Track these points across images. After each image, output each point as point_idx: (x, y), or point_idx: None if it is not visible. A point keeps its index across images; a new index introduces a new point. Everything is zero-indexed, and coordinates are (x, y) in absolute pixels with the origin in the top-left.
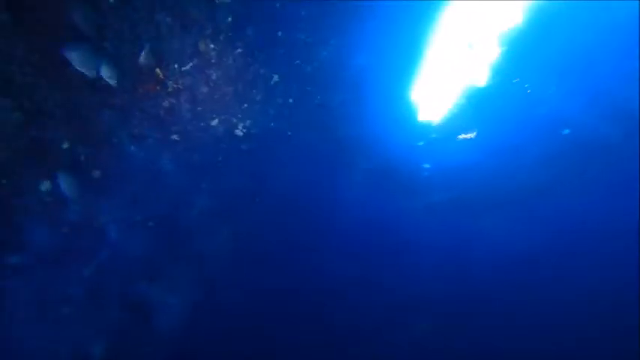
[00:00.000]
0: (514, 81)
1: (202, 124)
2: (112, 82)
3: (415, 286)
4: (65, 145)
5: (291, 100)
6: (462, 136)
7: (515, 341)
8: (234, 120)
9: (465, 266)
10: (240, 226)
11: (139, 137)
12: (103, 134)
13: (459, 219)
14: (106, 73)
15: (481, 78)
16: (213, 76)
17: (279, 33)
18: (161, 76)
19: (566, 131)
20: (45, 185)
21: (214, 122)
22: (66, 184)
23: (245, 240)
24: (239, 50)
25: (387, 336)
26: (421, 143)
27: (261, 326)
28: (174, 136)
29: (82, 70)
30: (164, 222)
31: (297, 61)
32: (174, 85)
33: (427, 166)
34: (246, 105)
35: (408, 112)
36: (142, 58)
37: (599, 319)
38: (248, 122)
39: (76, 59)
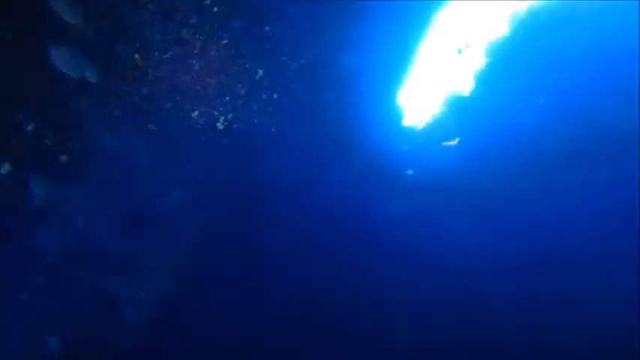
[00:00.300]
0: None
1: (182, 115)
2: (93, 79)
3: (395, 289)
4: (30, 128)
5: (275, 96)
6: (446, 143)
7: (501, 343)
8: (216, 113)
9: (446, 271)
10: (216, 221)
11: (114, 124)
12: (74, 118)
13: (441, 225)
14: (88, 72)
15: (466, 87)
16: (196, 67)
17: (267, 28)
18: (140, 62)
19: (548, 142)
20: (4, 168)
21: (195, 114)
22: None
23: (220, 235)
24: (224, 42)
25: (361, 337)
26: (405, 148)
27: (233, 321)
28: (152, 126)
29: (66, 71)
30: (136, 212)
31: (284, 58)
32: (154, 73)
33: (410, 172)
34: (228, 98)
35: (394, 115)
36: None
37: (582, 327)
38: (230, 116)
39: (61, 60)
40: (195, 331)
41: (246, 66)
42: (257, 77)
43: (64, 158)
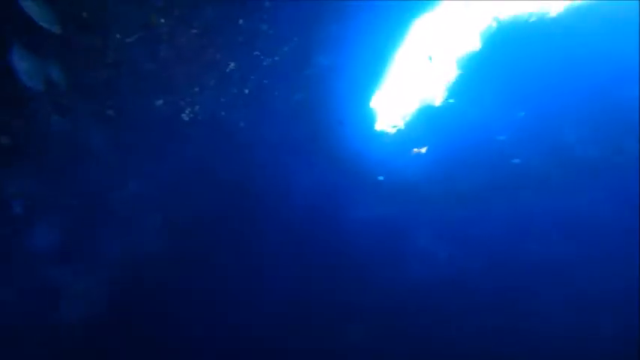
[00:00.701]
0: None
1: (145, 103)
2: (62, 84)
3: (360, 296)
4: None
5: (246, 91)
6: (416, 150)
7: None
8: (182, 103)
9: (413, 279)
10: (174, 214)
11: (66, 108)
12: (19, 98)
13: (407, 232)
14: (55, 77)
15: (437, 97)
16: (162, 53)
17: (241, 20)
18: (99, 44)
19: (516, 160)
20: None
21: (159, 102)
22: None
23: (177, 228)
24: (194, 31)
25: (321, 342)
26: (376, 154)
27: (185, 314)
28: (110, 112)
29: (28, 83)
30: (86, 202)
31: (257, 52)
32: (115, 57)
33: (381, 178)
34: (197, 89)
35: (366, 120)
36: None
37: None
38: (197, 107)
39: (23, 71)
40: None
41: (217, 57)
42: (228, 70)
43: (4, 140)
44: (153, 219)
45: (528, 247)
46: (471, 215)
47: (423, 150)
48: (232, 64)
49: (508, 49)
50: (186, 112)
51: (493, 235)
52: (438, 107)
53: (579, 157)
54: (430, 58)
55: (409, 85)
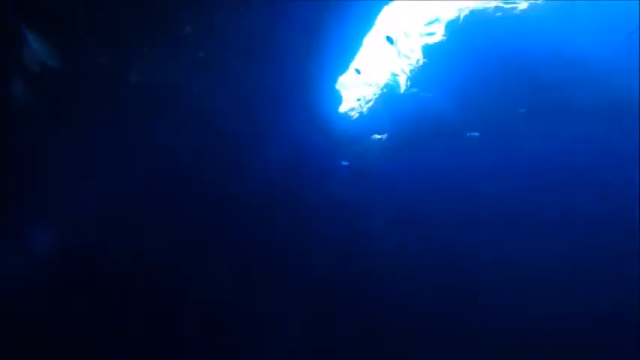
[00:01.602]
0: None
1: (84, 59)
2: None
3: (318, 284)
4: None
5: (202, 55)
6: (376, 136)
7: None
8: (126, 62)
9: (374, 267)
10: (108, 186)
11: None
12: None
13: (363, 216)
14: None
15: (401, 85)
16: (107, 6)
17: None
18: None
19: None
20: None
21: (101, 59)
22: None
23: (112, 202)
24: None
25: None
26: (337, 137)
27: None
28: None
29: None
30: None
31: (218, 19)
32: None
33: (345, 163)
34: (145, 49)
35: (330, 102)
36: None
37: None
38: (145, 67)
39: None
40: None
41: (170, 15)
42: (184, 32)
43: None
44: (89, 190)
45: (483, 233)
46: (425, 203)
47: (384, 137)
48: (188, 27)
49: (472, 42)
50: (132, 71)
51: (446, 220)
52: (401, 95)
53: (534, 149)
54: (389, 39)
55: (374, 71)
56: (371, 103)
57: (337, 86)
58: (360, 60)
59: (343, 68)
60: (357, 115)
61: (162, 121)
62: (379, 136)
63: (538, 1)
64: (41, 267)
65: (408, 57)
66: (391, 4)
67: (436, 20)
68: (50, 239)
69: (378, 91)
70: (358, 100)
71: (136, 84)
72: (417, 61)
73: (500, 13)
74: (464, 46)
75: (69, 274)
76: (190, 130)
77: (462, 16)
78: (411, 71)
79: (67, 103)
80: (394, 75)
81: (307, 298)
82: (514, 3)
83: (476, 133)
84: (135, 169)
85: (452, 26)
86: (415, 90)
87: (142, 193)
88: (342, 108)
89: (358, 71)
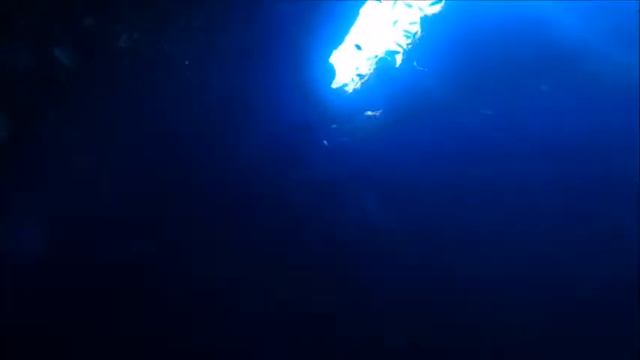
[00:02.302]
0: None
1: (68, 24)
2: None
3: (298, 258)
4: None
5: (195, 23)
6: (369, 113)
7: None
8: (118, 27)
9: (352, 242)
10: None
11: None
12: None
13: (353, 196)
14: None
15: (397, 60)
16: None
17: None
18: None
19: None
20: None
21: (88, 22)
22: None
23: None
24: None
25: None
26: (331, 113)
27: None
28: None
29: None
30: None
31: None
32: None
33: (325, 142)
34: (134, 14)
35: (323, 76)
36: None
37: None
38: (136, 35)
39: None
40: None
41: None
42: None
43: None
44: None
45: (479, 212)
46: (418, 181)
47: (377, 113)
48: None
49: (472, 17)
50: (123, 37)
51: (440, 199)
52: (397, 69)
53: (534, 126)
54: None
55: (370, 45)
56: (365, 79)
57: (331, 60)
58: (355, 33)
59: (338, 42)
60: (350, 90)
61: (151, 92)
62: (373, 113)
63: None
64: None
65: (405, 30)
66: None
67: None
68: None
69: (374, 66)
70: (356, 75)
71: (125, 49)
72: (415, 34)
73: None
74: (464, 18)
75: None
76: (179, 103)
77: None
78: (408, 45)
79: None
80: (390, 50)
81: (297, 280)
82: None
83: (488, 111)
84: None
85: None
86: (412, 65)
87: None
88: (336, 83)
89: (359, 47)
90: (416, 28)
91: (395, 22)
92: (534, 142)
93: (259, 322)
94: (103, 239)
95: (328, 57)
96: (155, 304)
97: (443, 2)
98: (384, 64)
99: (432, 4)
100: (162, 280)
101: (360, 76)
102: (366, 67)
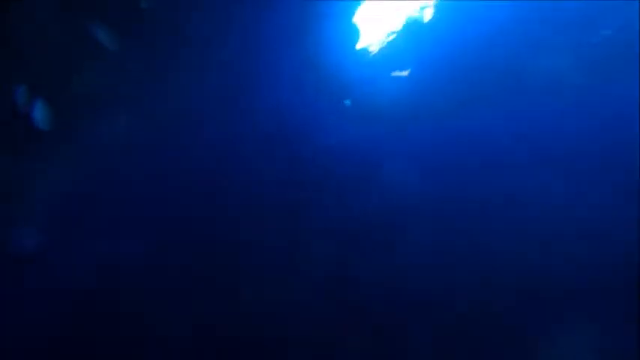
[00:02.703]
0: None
1: None
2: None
3: (316, 225)
4: None
5: None
6: (396, 73)
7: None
8: None
9: (384, 207)
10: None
11: None
12: None
13: (373, 159)
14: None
15: (426, 14)
16: None
17: None
18: None
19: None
20: None
21: None
22: None
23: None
24: None
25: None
26: (355, 75)
27: None
28: None
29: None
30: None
31: None
32: None
33: (348, 102)
34: None
35: (346, 35)
36: None
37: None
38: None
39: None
40: None
41: None
42: None
43: None
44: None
45: (509, 177)
46: (446, 144)
47: (405, 73)
48: None
49: None
50: None
51: (468, 163)
52: (428, 27)
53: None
54: None
55: (398, 1)
56: (392, 37)
57: (355, 19)
58: None
59: None
60: (376, 51)
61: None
62: (399, 74)
63: None
64: None
65: None
66: None
67: None
68: None
69: (402, 24)
70: (382, 34)
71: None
72: None
73: None
74: None
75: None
76: (196, 70)
77: None
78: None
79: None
80: (421, 4)
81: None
82: None
83: None
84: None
85: None
86: (443, 19)
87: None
88: (360, 43)
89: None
90: None
91: None
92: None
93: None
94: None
95: (352, 15)
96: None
97: None
98: (414, 22)
99: None
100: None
101: (387, 34)
102: (394, 26)
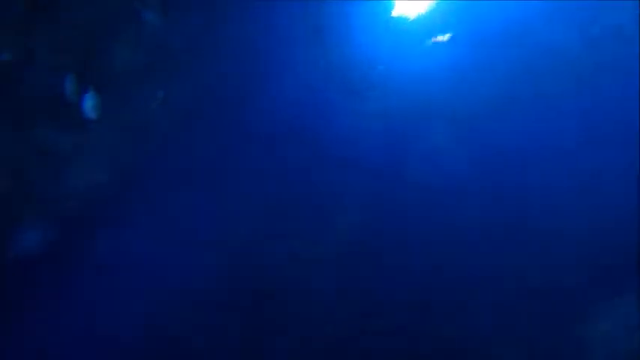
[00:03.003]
0: None
1: None
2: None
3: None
4: None
5: None
6: (436, 39)
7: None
8: None
9: (410, 182)
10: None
11: None
12: None
13: (408, 129)
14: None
15: None
16: None
17: None
18: None
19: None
20: None
21: None
22: None
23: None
24: None
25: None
26: (389, 42)
27: None
28: None
29: None
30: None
31: None
32: None
33: (381, 67)
34: None
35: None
36: None
37: None
38: None
39: None
40: None
41: None
42: None
43: None
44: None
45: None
46: (492, 113)
47: (445, 38)
48: None
49: None
50: None
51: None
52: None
53: None
54: None
55: None
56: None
57: None
58: None
59: None
60: (415, 15)
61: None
62: (441, 38)
63: None
64: None
65: None
66: None
67: None
68: None
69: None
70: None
71: None
72: None
73: None
74: None
75: None
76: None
77: None
78: None
79: None
80: None
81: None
82: None
83: None
84: None
85: None
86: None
87: None
88: (397, 11)
89: None
90: None
91: None
92: None
93: None
94: None
95: None
96: None
97: None
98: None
99: None
100: None
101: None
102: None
